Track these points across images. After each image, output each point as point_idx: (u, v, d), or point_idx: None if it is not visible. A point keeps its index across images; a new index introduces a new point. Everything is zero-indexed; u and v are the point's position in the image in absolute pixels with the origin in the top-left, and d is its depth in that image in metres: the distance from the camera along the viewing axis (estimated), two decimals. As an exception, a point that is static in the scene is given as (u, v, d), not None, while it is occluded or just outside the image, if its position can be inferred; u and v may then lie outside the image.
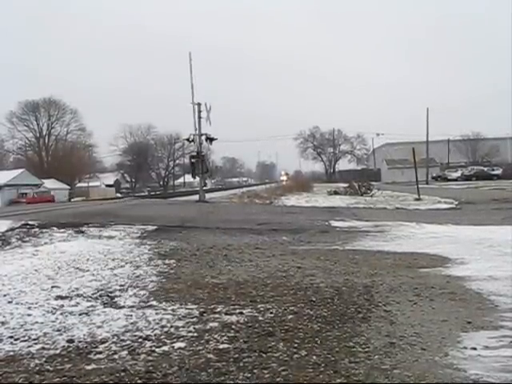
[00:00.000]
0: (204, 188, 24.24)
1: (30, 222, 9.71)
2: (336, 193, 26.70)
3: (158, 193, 59.28)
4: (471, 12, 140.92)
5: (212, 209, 16.24)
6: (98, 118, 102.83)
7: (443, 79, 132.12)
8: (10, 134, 61.64)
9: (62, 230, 8.91)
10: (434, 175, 55.68)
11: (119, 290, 4.65)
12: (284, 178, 68.59)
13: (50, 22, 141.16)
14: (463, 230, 9.16)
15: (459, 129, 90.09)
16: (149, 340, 3.25)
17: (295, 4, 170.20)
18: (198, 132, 21.83)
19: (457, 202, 18.00)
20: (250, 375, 2.66)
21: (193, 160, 22.31)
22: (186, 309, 3.97)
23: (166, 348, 3.10)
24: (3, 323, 3.61)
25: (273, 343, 3.14)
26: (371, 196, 24.24)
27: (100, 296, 4.42)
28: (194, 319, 3.69)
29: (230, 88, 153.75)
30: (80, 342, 3.23)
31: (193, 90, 21.24)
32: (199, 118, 21.75)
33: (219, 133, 23.43)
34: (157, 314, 3.85)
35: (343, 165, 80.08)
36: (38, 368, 2.81)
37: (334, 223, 10.96)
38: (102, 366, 2.82)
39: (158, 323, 3.60)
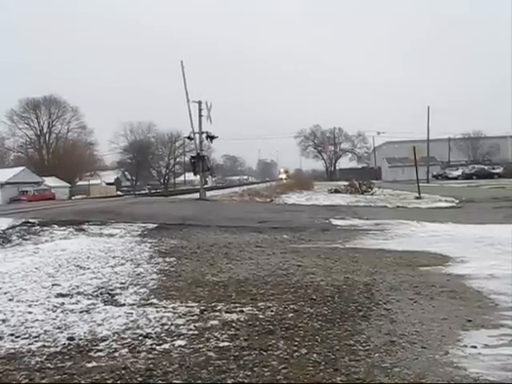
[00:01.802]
0: (205, 186, 24.25)
1: (30, 220, 9.71)
2: (337, 191, 26.73)
3: (158, 191, 59.29)
4: (472, 10, 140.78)
5: (212, 207, 16.25)
6: (98, 115, 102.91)
7: (444, 78, 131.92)
8: (10, 132, 61.53)
9: (63, 228, 8.91)
10: (435, 174, 55.70)
11: (120, 287, 4.66)
12: (283, 175, 67.68)
13: (49, 20, 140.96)
14: (463, 228, 9.16)
15: (460, 127, 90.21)
16: (149, 338, 3.25)
17: (296, 4, 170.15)
18: (194, 131, 21.78)
19: (457, 201, 17.99)
20: (250, 373, 2.67)
21: (193, 160, 22.35)
22: (187, 307, 3.98)
23: (166, 346, 3.11)
24: (4, 321, 3.61)
25: (273, 341, 3.14)
26: (372, 194, 24.25)
27: (101, 294, 4.43)
28: (195, 317, 3.70)
29: (231, 86, 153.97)
30: (81, 339, 3.24)
31: (187, 95, 21.05)
32: (200, 116, 21.71)
33: (220, 131, 23.42)
34: (157, 311, 3.85)
35: (344, 163, 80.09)
36: (38, 365, 2.82)
37: (335, 221, 10.96)
38: (103, 364, 2.82)
39: (158, 321, 3.61)
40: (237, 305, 4.01)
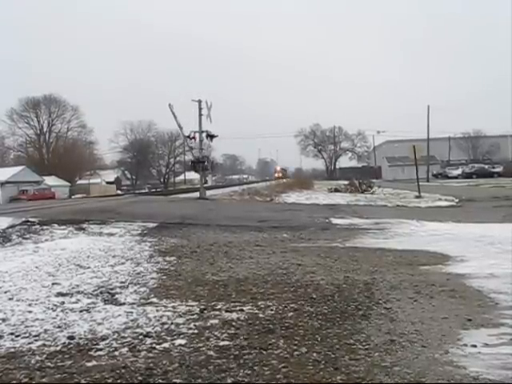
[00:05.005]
0: (204, 185, 24.25)
1: (30, 219, 9.71)
2: (337, 190, 26.74)
3: (158, 190, 59.27)
4: (472, 10, 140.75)
5: (212, 206, 16.24)
6: (98, 114, 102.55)
7: (443, 77, 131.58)
8: (10, 131, 61.62)
9: (63, 227, 8.91)
10: (435, 173, 55.68)
11: (120, 286, 4.66)
12: (279, 174, 65.51)
13: (49, 19, 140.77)
14: (464, 227, 9.16)
15: (460, 126, 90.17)
16: (149, 337, 3.25)
17: (296, 4, 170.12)
18: (195, 154, 22.15)
19: (457, 200, 18.00)
20: (250, 372, 2.67)
21: (193, 164, 22.57)
22: (187, 306, 3.98)
23: (166, 345, 3.11)
24: (4, 320, 3.61)
25: (273, 340, 3.14)
26: (372, 193, 24.25)
27: (101, 293, 4.42)
28: (195, 316, 3.70)
29: (231, 85, 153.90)
30: (81, 338, 3.24)
31: (181, 129, 21.86)
32: (200, 115, 21.69)
33: (220, 130, 23.40)
34: (157, 310, 3.85)
35: (344, 162, 79.99)
36: (38, 365, 2.82)
37: (335, 220, 10.96)
38: (103, 363, 2.82)
39: (158, 320, 3.61)
40: (237, 304, 4.01)
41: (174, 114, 20.87)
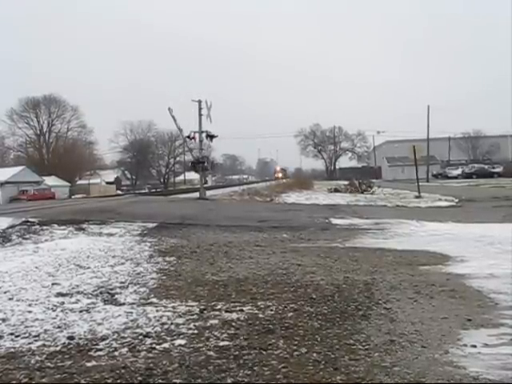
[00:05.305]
0: (204, 185, 24.27)
1: (30, 219, 9.70)
2: (336, 190, 26.74)
3: (158, 190, 59.26)
4: (473, 10, 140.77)
5: (212, 206, 16.24)
6: (98, 115, 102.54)
7: (444, 77, 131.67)
8: (10, 131, 61.67)
9: (63, 227, 8.91)
10: (435, 173, 55.68)
11: (120, 287, 4.66)
12: (279, 174, 65.82)
13: (49, 18, 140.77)
14: (463, 227, 9.16)
15: (460, 126, 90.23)
16: (149, 337, 3.25)
17: (296, 4, 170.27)
18: (195, 156, 22.30)
19: (457, 200, 18.00)
20: (250, 372, 2.67)
21: (193, 165, 22.69)
22: (187, 306, 3.98)
23: (166, 345, 3.11)
24: (4, 320, 3.61)
25: (273, 340, 3.14)
26: (372, 193, 24.25)
27: (100, 293, 4.42)
28: (195, 316, 3.70)
29: (231, 85, 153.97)
30: (80, 338, 3.24)
31: (181, 132, 22.48)
32: (199, 115, 21.70)
33: (220, 130, 23.42)
34: (157, 311, 3.85)
35: (344, 162, 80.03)
36: (38, 365, 2.82)
37: (335, 221, 10.96)
38: (103, 363, 2.82)
39: (158, 320, 3.61)
40: (237, 304, 4.01)
41: (173, 117, 20.95)
